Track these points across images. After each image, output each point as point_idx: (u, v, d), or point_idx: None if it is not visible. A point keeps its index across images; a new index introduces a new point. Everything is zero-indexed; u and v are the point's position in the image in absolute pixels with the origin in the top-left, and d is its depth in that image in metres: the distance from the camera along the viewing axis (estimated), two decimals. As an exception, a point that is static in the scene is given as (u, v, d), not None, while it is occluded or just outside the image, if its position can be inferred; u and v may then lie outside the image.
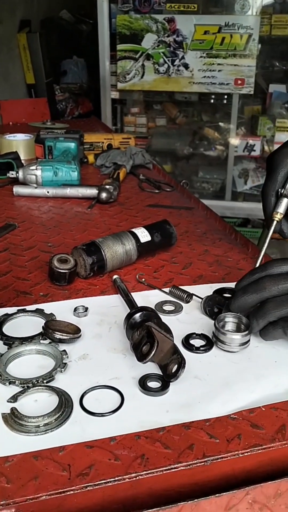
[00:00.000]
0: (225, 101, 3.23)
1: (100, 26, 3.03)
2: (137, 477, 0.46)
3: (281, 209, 0.76)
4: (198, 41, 2.93)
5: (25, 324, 0.70)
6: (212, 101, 3.28)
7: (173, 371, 0.57)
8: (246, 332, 0.63)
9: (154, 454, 0.48)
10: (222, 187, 3.39)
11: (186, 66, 3.00)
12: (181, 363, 0.56)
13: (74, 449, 0.49)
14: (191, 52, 2.97)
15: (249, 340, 0.64)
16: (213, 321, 0.66)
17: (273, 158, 0.77)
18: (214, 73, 2.96)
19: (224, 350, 0.64)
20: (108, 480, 0.46)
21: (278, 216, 0.76)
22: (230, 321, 0.66)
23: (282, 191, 0.75)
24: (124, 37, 3.02)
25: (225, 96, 3.19)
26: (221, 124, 3.38)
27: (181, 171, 3.48)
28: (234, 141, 3.26)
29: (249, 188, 3.34)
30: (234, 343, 0.63)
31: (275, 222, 0.76)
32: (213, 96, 3.24)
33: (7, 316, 0.70)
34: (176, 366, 0.57)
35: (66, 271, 0.78)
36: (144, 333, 0.58)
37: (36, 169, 1.26)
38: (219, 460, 0.48)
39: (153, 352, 0.55)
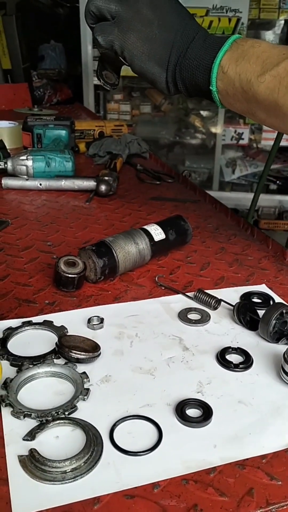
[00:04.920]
0: (212, 88, 3.13)
1: (82, 7, 2.88)
2: (192, 535, 0.38)
3: None
4: (184, 24, 2.81)
5: (32, 340, 0.60)
6: (198, 87, 3.17)
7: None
8: None
9: (208, 504, 0.40)
10: (209, 177, 3.30)
11: (172, 51, 2.88)
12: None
13: (111, 501, 0.40)
14: (177, 36, 2.84)
15: None
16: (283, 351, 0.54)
17: None
18: (201, 58, 2.85)
19: None
20: None
21: None
22: None
23: None
24: (107, 20, 2.88)
25: (212, 82, 3.09)
26: (207, 111, 3.29)
27: (166, 160, 3.38)
28: (221, 129, 3.17)
29: (237, 178, 3.26)
30: None
31: None
32: (199, 82, 3.13)
33: (11, 331, 0.61)
34: None
35: (75, 275, 0.69)
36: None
37: (27, 159, 1.15)
38: (285, 507, 0.41)
39: None
